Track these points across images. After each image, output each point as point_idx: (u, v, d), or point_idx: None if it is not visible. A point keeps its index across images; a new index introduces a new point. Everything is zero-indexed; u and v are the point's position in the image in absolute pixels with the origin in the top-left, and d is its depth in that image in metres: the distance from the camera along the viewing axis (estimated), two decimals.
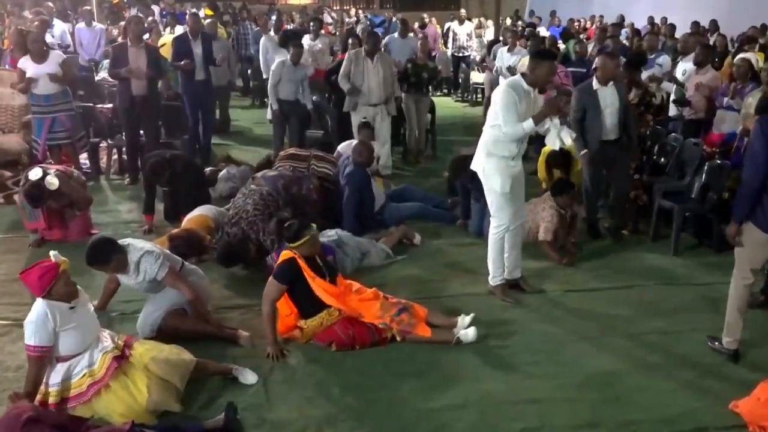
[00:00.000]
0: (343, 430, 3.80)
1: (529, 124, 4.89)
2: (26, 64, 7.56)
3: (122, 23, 12.03)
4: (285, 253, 4.75)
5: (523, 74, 5.08)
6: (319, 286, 4.62)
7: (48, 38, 10.48)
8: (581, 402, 4.05)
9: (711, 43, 11.49)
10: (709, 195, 6.32)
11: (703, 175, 6.44)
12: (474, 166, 5.31)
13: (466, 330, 4.71)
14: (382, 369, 4.39)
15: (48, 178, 6.10)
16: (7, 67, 9.14)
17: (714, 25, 14.01)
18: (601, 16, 18.49)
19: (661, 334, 4.84)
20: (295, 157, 7.01)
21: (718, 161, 6.42)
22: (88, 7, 12.97)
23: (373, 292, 4.91)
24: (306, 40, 10.75)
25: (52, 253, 3.84)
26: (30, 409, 3.35)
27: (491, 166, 5.13)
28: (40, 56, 7.54)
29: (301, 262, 4.64)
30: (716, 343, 4.53)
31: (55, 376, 3.84)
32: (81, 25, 12.28)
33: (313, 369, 4.41)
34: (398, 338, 4.64)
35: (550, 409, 3.98)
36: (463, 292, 5.48)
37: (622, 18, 17.15)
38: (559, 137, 5.20)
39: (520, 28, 14.64)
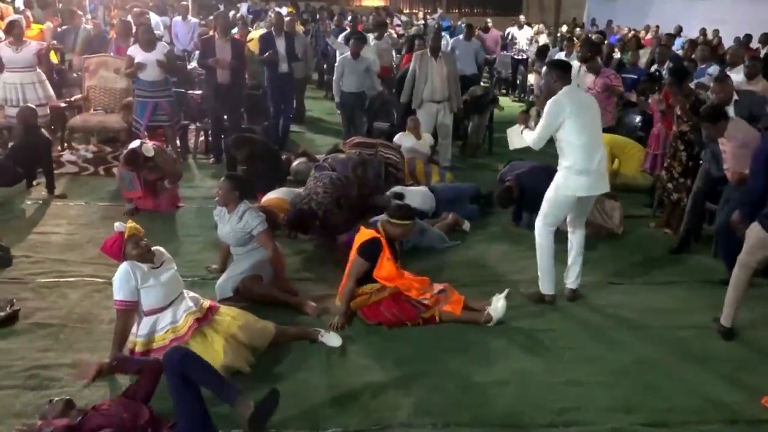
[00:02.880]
0: (395, 396, 3.83)
1: (528, 134, 4.98)
2: (135, 51, 7.74)
3: (211, 18, 12.25)
4: (369, 232, 4.71)
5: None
6: (387, 267, 4.61)
7: None
8: (618, 387, 3.99)
9: (762, 55, 11.06)
10: None
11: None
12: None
13: (496, 305, 4.67)
14: (431, 345, 4.40)
15: (144, 146, 6.34)
16: (111, 54, 9.38)
17: (766, 38, 13.46)
18: (657, 26, 17.95)
19: (698, 329, 4.71)
20: (363, 145, 7.06)
21: None
22: (185, 2, 13.19)
23: (421, 278, 4.90)
24: (371, 39, 10.75)
25: (116, 224, 4.01)
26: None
27: (558, 176, 4.86)
28: (149, 45, 7.72)
29: (384, 243, 4.65)
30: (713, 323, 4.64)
31: (142, 329, 3.97)
32: (177, 18, 12.53)
33: (370, 341, 4.44)
34: (438, 318, 4.62)
35: (588, 392, 3.93)
36: (510, 279, 5.43)
37: (679, 28, 16.61)
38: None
39: (584, 35, 14.29)
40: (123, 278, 3.88)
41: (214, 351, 3.87)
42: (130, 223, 4.02)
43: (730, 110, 6.28)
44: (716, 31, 15.22)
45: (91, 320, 4.55)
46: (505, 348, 4.41)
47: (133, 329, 4.02)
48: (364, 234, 4.75)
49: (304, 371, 4.06)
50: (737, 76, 8.22)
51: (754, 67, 7.98)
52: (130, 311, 3.94)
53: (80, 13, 11.45)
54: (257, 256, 4.87)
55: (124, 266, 3.92)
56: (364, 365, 4.16)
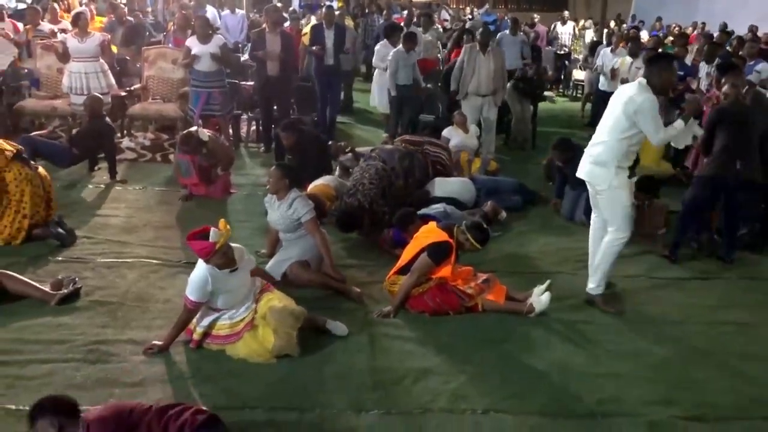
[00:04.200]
0: (436, 382, 3.82)
1: (680, 124, 4.58)
2: (192, 43, 7.85)
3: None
4: (441, 233, 4.70)
5: (649, 84, 4.43)
6: (446, 269, 4.60)
7: None
8: (657, 382, 3.91)
9: None
10: None
11: None
12: (596, 179, 4.62)
13: (539, 297, 4.60)
14: (472, 334, 4.37)
15: (200, 131, 6.45)
16: (170, 45, 9.53)
17: None
18: (704, 23, 17.46)
19: (740, 326, 4.60)
20: (409, 142, 7.01)
21: None
22: None
23: (467, 269, 4.88)
24: (418, 32, 10.70)
25: (212, 230, 3.82)
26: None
27: (620, 180, 4.53)
28: (205, 38, 7.82)
29: (454, 248, 4.64)
30: None
31: (205, 321, 4.02)
32: (226, 11, 12.65)
33: (413, 328, 4.43)
34: (480, 308, 4.58)
35: (627, 384, 3.86)
36: (550, 270, 5.36)
37: (725, 25, 16.13)
38: (692, 131, 4.81)
39: (624, 31, 14.03)
40: (200, 282, 3.87)
41: (266, 340, 3.93)
42: (224, 234, 3.86)
43: None
44: (754, 29, 14.72)
45: (146, 299, 4.64)
46: (546, 339, 4.36)
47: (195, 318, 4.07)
48: (435, 233, 4.72)
49: (349, 355, 4.07)
50: None
51: None
52: (197, 310, 3.99)
53: (123, 5, 11.62)
54: (305, 242, 4.91)
55: (203, 270, 3.89)
56: (406, 351, 4.16)
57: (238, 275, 4.01)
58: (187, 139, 6.48)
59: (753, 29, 15.21)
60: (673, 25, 17.40)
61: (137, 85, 9.14)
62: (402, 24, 12.24)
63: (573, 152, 6.38)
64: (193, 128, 6.57)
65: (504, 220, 6.41)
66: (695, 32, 16.42)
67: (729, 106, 5.54)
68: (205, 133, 6.52)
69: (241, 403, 3.52)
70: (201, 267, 3.92)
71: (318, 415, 3.49)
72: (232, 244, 4.06)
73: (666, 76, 4.45)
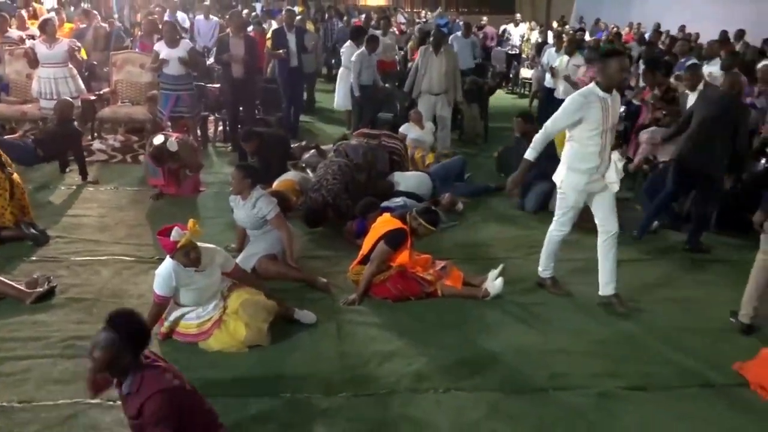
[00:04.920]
0: (400, 364, 3.84)
1: (531, 155, 4.36)
2: (161, 47, 7.71)
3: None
4: (395, 221, 4.71)
5: (596, 82, 4.30)
6: (404, 255, 4.61)
7: None
8: (603, 355, 3.99)
9: (737, 49, 10.96)
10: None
11: None
12: (555, 177, 4.61)
13: (494, 282, 4.66)
14: (433, 318, 4.39)
15: (168, 142, 6.32)
16: (137, 50, 9.33)
17: (740, 33, 13.34)
18: (639, 23, 17.79)
19: (683, 302, 4.71)
20: (367, 135, 7.03)
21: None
22: (207, 2, 13.09)
23: (426, 257, 4.90)
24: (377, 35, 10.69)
25: (175, 229, 3.76)
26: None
27: (569, 181, 4.43)
28: (173, 42, 7.69)
29: (409, 234, 4.65)
30: (734, 319, 4.35)
31: (172, 315, 3.97)
32: (200, 16, 12.43)
33: (377, 314, 4.44)
34: (439, 293, 4.61)
35: (576, 360, 3.93)
36: (503, 256, 5.41)
37: (658, 25, 16.46)
38: (616, 171, 4.50)
39: (569, 32, 14.21)
40: (165, 278, 3.82)
41: (237, 333, 3.89)
42: (188, 234, 3.77)
43: (693, 96, 6.34)
44: (683, 28, 15.08)
45: (121, 295, 4.56)
46: (501, 320, 4.41)
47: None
48: (390, 222, 4.73)
49: (317, 341, 4.07)
50: (714, 68, 8.19)
51: (730, 60, 7.95)
52: (165, 305, 3.93)
53: (95, 12, 11.36)
54: (272, 236, 4.86)
55: (168, 266, 3.84)
56: (371, 336, 4.16)
57: (205, 275, 3.93)
58: (158, 153, 6.36)
59: (683, 29, 15.57)
60: (612, 26, 17.70)
61: (106, 89, 8.93)
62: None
63: (533, 125, 6.55)
64: (161, 139, 6.39)
65: (460, 211, 6.45)
66: (631, 32, 16.72)
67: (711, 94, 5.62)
68: (174, 144, 6.34)
69: (220, 392, 3.48)
70: (166, 263, 3.87)
71: (290, 400, 3.48)
72: (208, 246, 4.01)
73: (610, 72, 4.22)
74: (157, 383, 2.62)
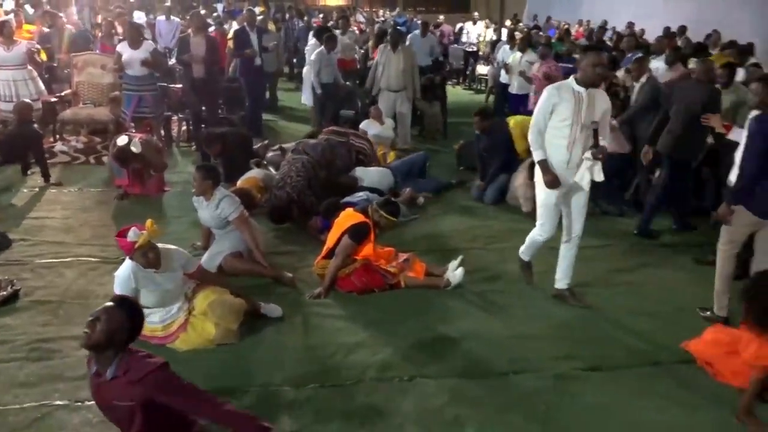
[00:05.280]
0: (366, 355, 3.84)
1: (538, 155, 4.17)
2: (123, 48, 7.54)
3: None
4: (358, 215, 4.69)
5: (574, 76, 4.14)
6: (368, 248, 4.61)
7: None
8: (561, 339, 4.05)
9: (679, 44, 11.21)
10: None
11: None
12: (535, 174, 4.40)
13: (454, 272, 4.69)
14: (397, 308, 4.40)
15: (132, 142, 6.19)
16: (97, 52, 9.10)
17: (682, 30, 13.65)
18: (588, 21, 18.07)
19: (634, 286, 4.81)
20: (336, 133, 6.99)
21: None
22: (168, 3, 12.83)
23: (389, 250, 4.90)
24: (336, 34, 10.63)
25: (132, 229, 3.69)
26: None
27: (539, 175, 4.25)
28: (135, 43, 7.53)
29: (372, 227, 4.63)
30: (708, 313, 4.30)
31: None
32: (161, 17, 12.19)
33: (343, 306, 4.43)
34: (403, 284, 4.62)
35: (534, 344, 3.98)
36: (463, 247, 5.45)
37: (605, 22, 16.75)
38: (590, 171, 4.19)
39: (524, 30, 14.35)
40: (124, 279, 3.71)
41: (206, 332, 3.83)
42: (145, 234, 3.70)
43: (637, 86, 6.57)
44: (631, 25, 15.35)
45: (87, 296, 4.45)
46: (462, 308, 4.44)
47: None
48: (353, 216, 4.71)
49: (284, 335, 4.04)
50: (660, 63, 8.37)
51: (674, 55, 8.14)
52: None
53: (61, 15, 11.04)
54: (236, 234, 4.78)
55: (127, 267, 3.73)
56: (337, 328, 4.15)
57: (166, 276, 3.83)
58: (122, 154, 6.21)
59: (630, 25, 15.85)
60: (563, 23, 17.93)
61: (67, 91, 8.69)
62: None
63: (491, 121, 6.61)
64: (124, 140, 6.23)
65: (421, 204, 6.47)
66: (580, 29, 16.96)
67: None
68: (138, 144, 6.20)
69: None
70: (126, 264, 3.77)
71: (259, 393, 3.45)
72: (168, 246, 3.93)
73: (583, 66, 4.07)
74: (147, 365, 2.60)
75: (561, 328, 4.20)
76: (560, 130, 4.10)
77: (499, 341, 4.01)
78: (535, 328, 4.18)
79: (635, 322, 4.30)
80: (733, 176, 4.17)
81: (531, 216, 5.18)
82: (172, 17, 12.21)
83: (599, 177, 4.14)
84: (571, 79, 4.15)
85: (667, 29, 13.29)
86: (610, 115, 4.26)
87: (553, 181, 4.14)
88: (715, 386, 3.58)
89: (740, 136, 4.62)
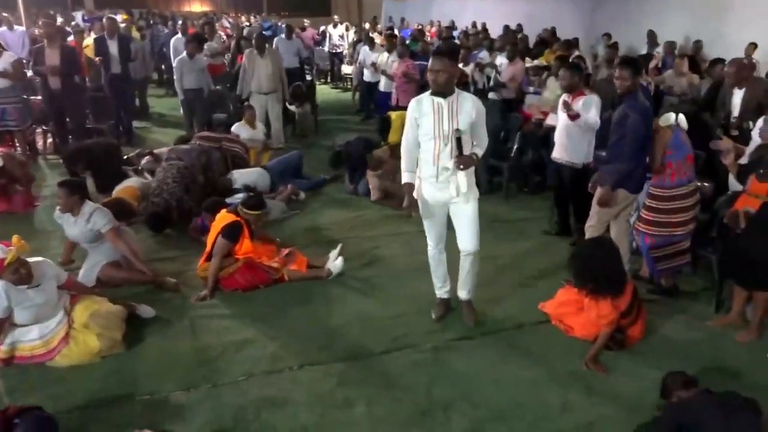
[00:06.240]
0: (256, 349, 3.73)
1: (404, 177, 3.70)
2: None
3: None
4: (229, 216, 4.49)
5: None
6: (246, 245, 4.46)
7: None
8: (424, 314, 4.13)
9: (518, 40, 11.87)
10: (525, 153, 6.60)
11: (518, 140, 6.66)
12: None
13: (335, 262, 4.69)
14: (282, 302, 4.31)
15: None
16: None
17: (519, 28, 14.47)
18: (439, 21, 18.66)
19: (489, 259, 4.91)
20: (208, 139, 6.69)
21: (530, 129, 6.68)
22: (6, 14, 11.52)
23: (271, 246, 4.79)
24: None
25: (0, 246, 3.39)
26: None
27: (418, 188, 3.77)
28: None
29: (244, 224, 4.46)
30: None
31: (9, 338, 3.51)
32: (3, 28, 10.95)
33: (229, 305, 4.27)
34: (286, 278, 4.53)
35: (412, 320, 4.05)
36: (343, 236, 5.44)
37: (453, 22, 17.37)
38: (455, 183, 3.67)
39: (382, 32, 14.54)
40: None
41: (88, 345, 3.55)
42: (14, 250, 3.38)
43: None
44: (483, 24, 16.08)
45: None
46: (345, 295, 4.43)
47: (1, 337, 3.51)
48: (225, 217, 4.53)
49: (172, 340, 3.83)
50: (502, 59, 8.82)
51: (513, 50, 8.60)
52: (1, 326, 3.46)
53: None
54: (109, 245, 4.43)
55: None
56: (225, 327, 3.99)
57: (39, 290, 3.53)
58: None
59: (474, 24, 16.57)
60: (417, 24, 18.38)
61: None
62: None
63: (341, 162, 6.81)
64: None
65: (302, 200, 6.38)
66: (432, 29, 17.47)
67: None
68: None
69: (72, 406, 3.15)
70: None
71: (148, 402, 3.24)
72: (38, 259, 3.60)
73: (428, 78, 3.66)
74: None
75: (433, 303, 4.29)
76: (425, 143, 3.62)
77: (380, 322, 4.05)
78: (412, 306, 4.24)
79: (501, 289, 4.48)
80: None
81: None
82: (15, 27, 11.04)
83: (463, 188, 3.65)
84: (428, 92, 3.64)
85: (506, 27, 14.02)
86: (483, 118, 3.66)
87: (411, 206, 3.71)
88: (568, 341, 3.83)
89: (554, 120, 5.00)
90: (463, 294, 4.04)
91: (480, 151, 3.70)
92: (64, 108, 7.45)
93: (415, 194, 3.73)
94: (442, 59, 3.51)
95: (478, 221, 3.80)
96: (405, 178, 3.71)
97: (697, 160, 4.58)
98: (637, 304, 3.75)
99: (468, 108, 3.58)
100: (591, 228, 4.36)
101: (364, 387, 3.38)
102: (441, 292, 4.13)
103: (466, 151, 3.60)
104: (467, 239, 3.82)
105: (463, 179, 3.65)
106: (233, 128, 7.61)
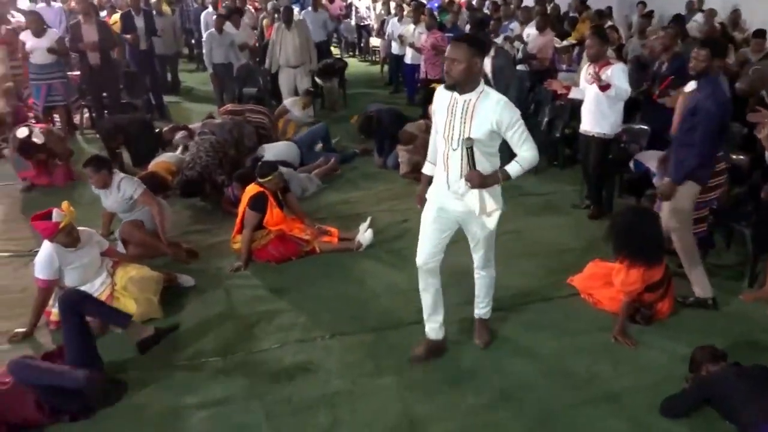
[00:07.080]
0: (289, 318, 3.84)
1: (425, 168, 3.30)
2: (27, 37, 7.08)
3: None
4: (253, 187, 4.58)
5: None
6: (276, 214, 4.54)
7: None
8: (462, 286, 4.01)
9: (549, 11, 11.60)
10: (555, 126, 6.51)
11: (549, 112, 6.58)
12: None
13: (364, 234, 4.74)
14: (314, 273, 4.41)
15: (34, 133, 5.79)
16: None
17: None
18: None
19: (516, 233, 4.96)
20: (232, 112, 6.78)
21: (561, 102, 6.56)
22: None
23: (303, 218, 4.85)
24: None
25: (55, 211, 3.53)
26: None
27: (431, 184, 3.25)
28: (39, 32, 7.02)
29: (269, 195, 4.54)
30: (690, 299, 3.89)
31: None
32: (41, 4, 11.12)
33: (262, 276, 4.38)
34: (318, 250, 4.62)
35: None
36: (372, 209, 5.49)
37: None
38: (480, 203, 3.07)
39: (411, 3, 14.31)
40: (47, 260, 3.57)
41: (127, 309, 3.67)
42: (67, 214, 3.54)
43: None
44: None
45: (3, 291, 4.18)
46: (375, 267, 4.50)
47: (51, 300, 3.71)
48: (250, 190, 4.62)
49: (209, 308, 3.96)
50: (531, 29, 8.66)
51: (542, 21, 8.43)
52: (50, 289, 3.65)
53: None
54: (143, 215, 4.58)
55: (48, 249, 3.58)
56: (259, 296, 4.11)
57: (85, 253, 3.72)
58: (24, 146, 5.82)
59: None
60: None
61: None
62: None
63: (372, 127, 6.68)
64: (25, 132, 5.82)
65: (339, 173, 6.46)
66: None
67: None
68: (40, 135, 5.82)
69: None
70: (46, 246, 3.61)
71: (187, 366, 3.39)
72: (82, 228, 3.74)
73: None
74: None
75: (462, 275, 4.27)
76: (438, 142, 3.09)
77: (409, 294, 4.05)
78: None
79: (527, 262, 4.49)
80: None
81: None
82: (52, 3, 11.20)
83: (475, 209, 3.01)
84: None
85: None
86: (518, 126, 2.91)
87: (419, 198, 3.32)
88: (596, 313, 3.85)
89: (578, 93, 4.98)
90: (475, 310, 3.57)
91: (517, 168, 2.97)
92: (102, 83, 7.60)
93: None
94: (460, 46, 2.86)
95: (494, 240, 3.29)
96: (424, 168, 3.31)
97: (732, 133, 4.47)
98: (667, 280, 3.73)
99: (488, 113, 2.87)
100: (677, 231, 3.83)
101: (394, 356, 3.46)
102: (427, 326, 3.37)
103: (484, 167, 2.93)
104: (478, 260, 3.36)
105: (474, 199, 2.98)
106: (287, 103, 7.67)
